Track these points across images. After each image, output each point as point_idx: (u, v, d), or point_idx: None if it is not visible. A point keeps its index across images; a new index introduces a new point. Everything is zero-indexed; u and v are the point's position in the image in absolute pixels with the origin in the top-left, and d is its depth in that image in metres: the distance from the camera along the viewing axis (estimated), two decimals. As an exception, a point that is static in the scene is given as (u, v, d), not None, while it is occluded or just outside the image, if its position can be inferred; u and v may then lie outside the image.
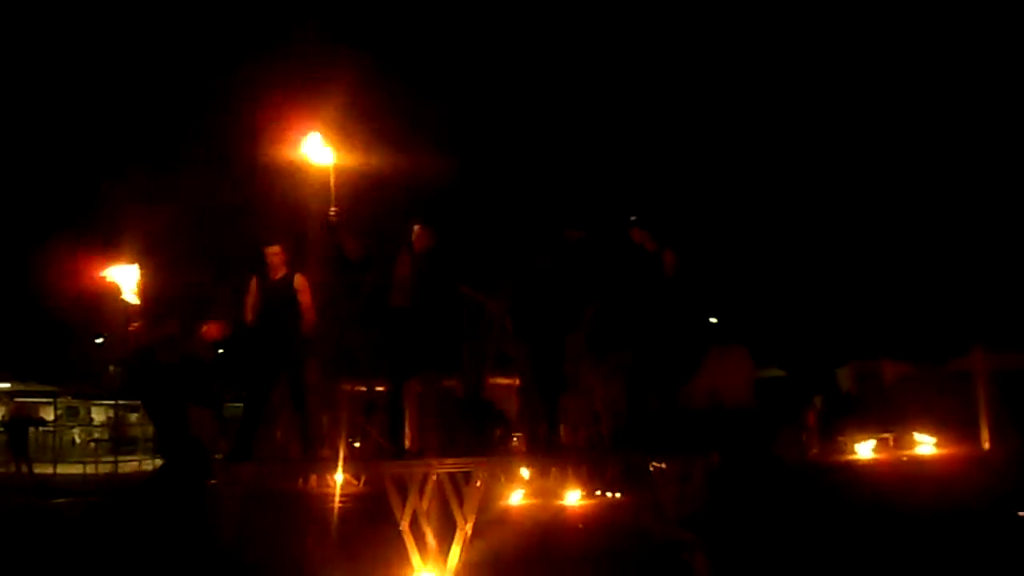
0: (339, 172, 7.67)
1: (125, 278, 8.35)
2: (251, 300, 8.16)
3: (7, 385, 30.85)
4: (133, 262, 8.37)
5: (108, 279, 8.38)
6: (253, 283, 8.18)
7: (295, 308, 8.06)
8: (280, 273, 8.18)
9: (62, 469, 21.50)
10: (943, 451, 17.66)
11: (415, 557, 6.72)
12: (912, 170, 27.49)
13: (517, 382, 8.55)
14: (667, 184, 26.82)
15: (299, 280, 8.13)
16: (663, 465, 7.71)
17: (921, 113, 26.84)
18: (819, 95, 27.57)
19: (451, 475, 7.31)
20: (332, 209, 7.58)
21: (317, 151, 7.63)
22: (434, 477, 7.11)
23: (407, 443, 9.12)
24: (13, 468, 21.53)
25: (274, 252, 8.17)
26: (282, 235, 8.34)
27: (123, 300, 8.29)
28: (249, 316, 8.14)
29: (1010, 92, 24.15)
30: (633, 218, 8.15)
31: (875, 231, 28.30)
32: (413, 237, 8.00)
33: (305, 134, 7.69)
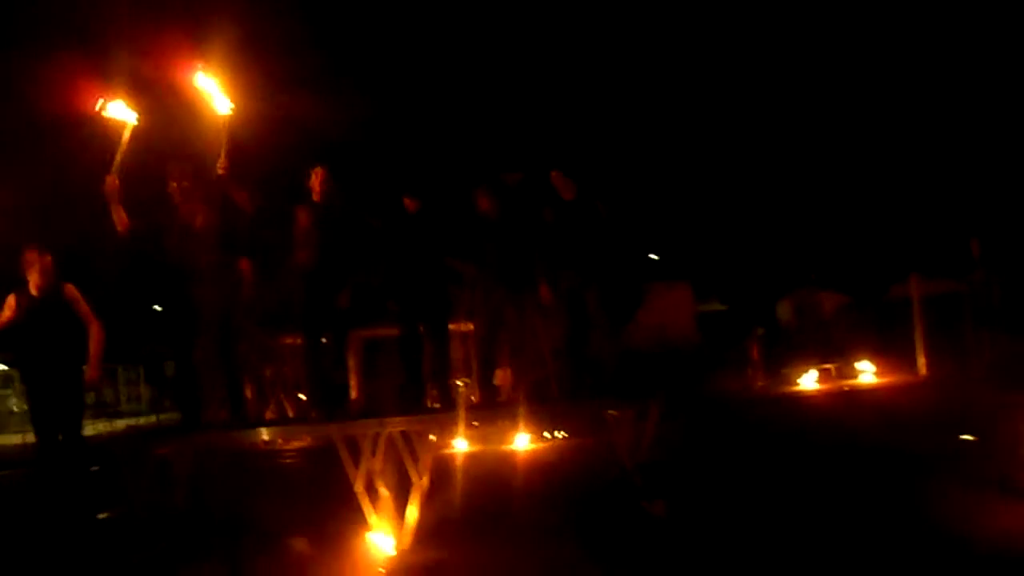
0: (233, 118, 6.94)
1: None
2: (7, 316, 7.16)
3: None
4: None
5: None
6: (11, 300, 7.17)
7: (70, 322, 7.19)
8: (46, 282, 7.17)
9: (1, 440, 21.02)
10: (883, 379, 18.07)
11: (372, 518, 6.66)
12: (844, 100, 27.73)
13: (470, 328, 8.42)
14: (602, 121, 26.69)
15: (69, 290, 7.22)
16: (615, 412, 7.71)
17: (848, 40, 26.97)
18: (750, 26, 27.51)
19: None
20: (220, 162, 6.92)
21: (209, 95, 6.87)
22: (386, 434, 7.04)
23: (352, 393, 8.88)
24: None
25: (34, 260, 7.09)
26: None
27: None
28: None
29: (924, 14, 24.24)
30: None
31: (810, 163, 28.56)
32: (313, 187, 7.53)
33: (192, 73, 6.83)
